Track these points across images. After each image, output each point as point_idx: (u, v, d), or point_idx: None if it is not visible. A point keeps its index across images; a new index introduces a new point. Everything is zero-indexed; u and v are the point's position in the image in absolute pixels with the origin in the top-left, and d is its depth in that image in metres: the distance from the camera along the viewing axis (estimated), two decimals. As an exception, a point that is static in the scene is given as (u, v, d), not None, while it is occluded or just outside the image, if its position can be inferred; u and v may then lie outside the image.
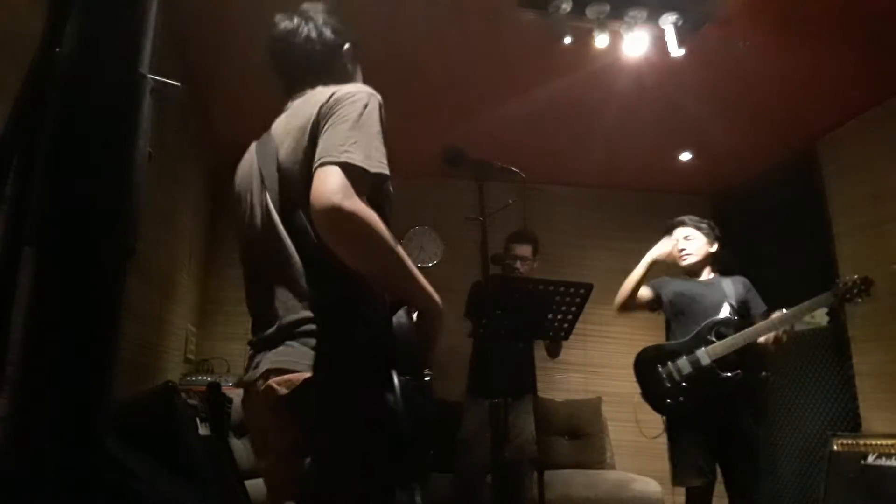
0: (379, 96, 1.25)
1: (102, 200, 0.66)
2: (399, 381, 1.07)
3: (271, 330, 1.25)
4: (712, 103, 3.79)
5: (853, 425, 3.76)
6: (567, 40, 2.99)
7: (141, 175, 0.68)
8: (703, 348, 2.78)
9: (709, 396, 2.74)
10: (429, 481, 1.22)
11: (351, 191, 1.08)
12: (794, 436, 4.25)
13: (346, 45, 1.44)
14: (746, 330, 2.72)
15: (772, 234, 4.71)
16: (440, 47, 3.30)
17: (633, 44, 3.04)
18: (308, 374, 1.13)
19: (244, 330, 5.32)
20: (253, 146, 1.43)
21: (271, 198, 1.25)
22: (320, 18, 1.42)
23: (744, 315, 2.85)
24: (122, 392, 2.16)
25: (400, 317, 1.14)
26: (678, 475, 2.78)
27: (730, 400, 2.75)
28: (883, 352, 3.67)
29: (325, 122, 1.18)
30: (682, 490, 2.85)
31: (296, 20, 1.42)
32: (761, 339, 2.72)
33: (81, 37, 0.67)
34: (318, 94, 1.25)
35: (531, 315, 2.66)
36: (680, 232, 3.08)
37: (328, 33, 1.40)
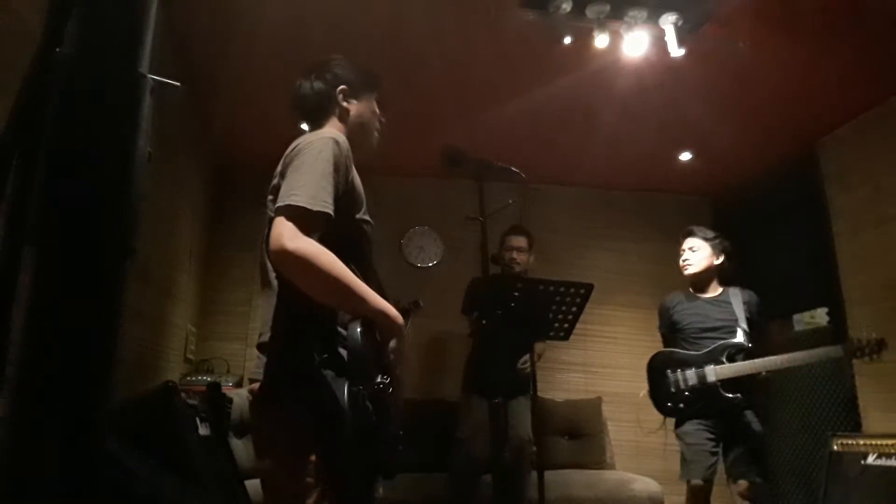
0: (340, 138, 1.44)
1: (102, 200, 0.66)
2: (349, 390, 1.22)
3: (258, 340, 1.51)
4: (712, 103, 3.79)
5: (853, 425, 3.76)
6: (567, 40, 2.99)
7: (141, 175, 0.68)
8: (712, 366, 2.95)
9: (707, 410, 2.95)
10: (387, 479, 1.36)
11: (295, 232, 1.26)
12: (794, 436, 4.25)
13: (340, 88, 1.64)
14: (755, 361, 2.89)
15: (772, 234, 4.71)
16: (441, 47, 3.30)
17: (633, 44, 3.04)
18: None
19: (244, 330, 5.33)
20: None
21: (265, 234, 1.45)
22: (316, 73, 1.65)
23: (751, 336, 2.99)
24: (122, 392, 2.16)
25: (352, 332, 1.28)
26: (686, 470, 2.94)
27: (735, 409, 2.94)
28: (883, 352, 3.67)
29: (287, 170, 1.38)
30: (682, 490, 2.99)
31: (301, 80, 1.67)
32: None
33: (81, 37, 0.67)
34: (292, 145, 1.46)
35: (531, 315, 2.66)
36: (686, 242, 3.20)
37: (319, 84, 1.63)
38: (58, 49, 0.67)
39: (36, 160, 0.65)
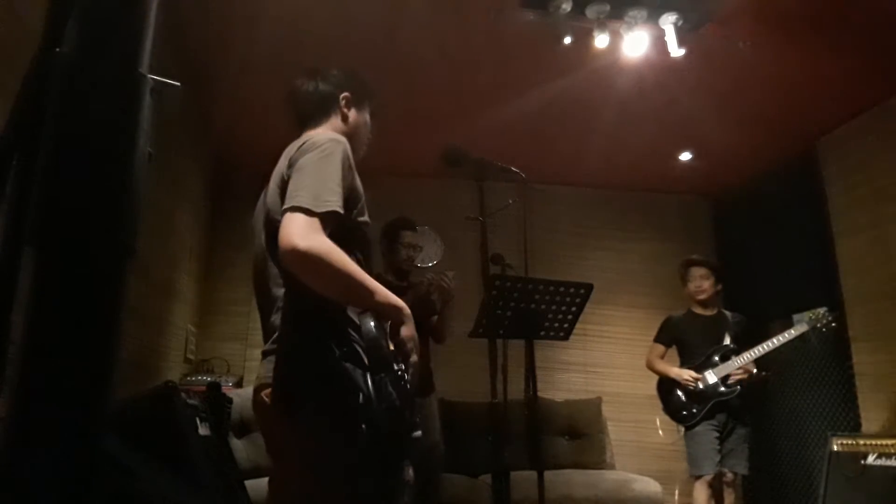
0: (343, 140, 1.46)
1: (102, 200, 0.66)
2: (372, 380, 1.25)
3: (267, 344, 1.47)
4: (712, 103, 3.79)
5: (853, 425, 3.76)
6: (567, 40, 2.99)
7: (141, 175, 0.68)
8: (710, 370, 3.44)
9: (714, 406, 3.39)
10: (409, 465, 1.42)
11: (305, 231, 1.28)
12: (794, 436, 4.25)
13: (344, 94, 1.66)
14: (742, 355, 3.40)
15: (772, 234, 4.71)
16: (441, 47, 3.30)
17: (633, 44, 3.04)
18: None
19: (244, 330, 5.33)
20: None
21: (264, 233, 1.51)
22: (321, 76, 1.67)
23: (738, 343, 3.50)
24: (122, 392, 2.16)
25: (366, 324, 1.32)
26: (696, 467, 3.34)
27: (734, 406, 3.41)
28: (883, 352, 3.67)
29: (292, 171, 1.40)
30: (682, 490, 3.40)
31: (303, 80, 1.68)
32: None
33: (81, 37, 0.67)
34: (296, 144, 1.48)
35: (530, 315, 2.66)
36: (696, 271, 3.65)
37: (325, 87, 1.65)
38: (58, 49, 0.67)
39: (36, 160, 0.65)
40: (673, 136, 4.31)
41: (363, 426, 1.22)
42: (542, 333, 2.80)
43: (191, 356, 4.33)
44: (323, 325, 1.34)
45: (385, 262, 3.18)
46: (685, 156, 4.64)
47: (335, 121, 1.65)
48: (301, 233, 1.27)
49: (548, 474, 2.76)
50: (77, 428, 0.61)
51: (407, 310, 1.41)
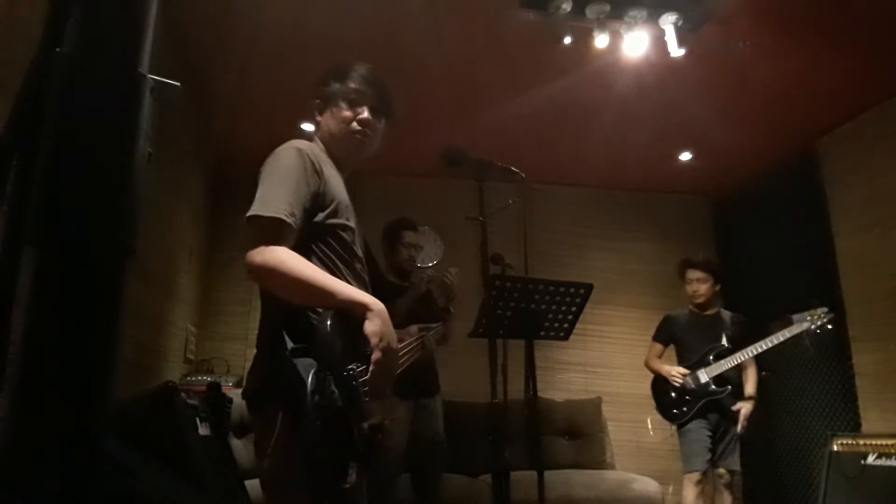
0: (301, 147, 1.48)
1: (102, 200, 0.66)
2: (314, 374, 1.25)
3: None
4: (712, 103, 3.79)
5: (853, 425, 3.76)
6: (567, 40, 2.99)
7: (141, 175, 0.68)
8: (703, 369, 3.43)
9: (706, 405, 3.39)
10: (365, 468, 1.39)
11: (257, 244, 1.34)
12: (794, 436, 4.25)
13: (316, 102, 1.67)
14: (735, 354, 3.38)
15: (772, 234, 4.71)
16: (440, 47, 3.30)
17: (633, 44, 3.04)
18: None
19: (244, 330, 5.33)
20: None
21: None
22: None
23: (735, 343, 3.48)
24: (122, 392, 2.16)
25: (320, 322, 1.32)
26: (688, 463, 3.35)
27: (727, 405, 3.40)
28: (883, 352, 3.67)
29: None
30: (682, 490, 3.34)
31: None
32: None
33: (81, 37, 0.67)
34: None
35: (530, 315, 2.65)
36: (693, 273, 3.62)
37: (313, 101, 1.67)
38: (58, 49, 0.67)
39: (36, 160, 0.65)
40: (673, 136, 4.31)
41: (302, 422, 1.23)
42: (542, 333, 2.80)
43: (191, 356, 4.33)
44: (285, 326, 1.36)
45: (387, 262, 3.18)
46: (685, 156, 4.64)
47: (318, 129, 1.67)
48: (254, 248, 1.34)
49: (548, 474, 2.76)
50: (77, 428, 0.61)
51: (375, 306, 1.40)
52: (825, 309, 3.35)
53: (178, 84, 0.74)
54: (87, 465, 0.60)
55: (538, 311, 2.63)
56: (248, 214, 1.38)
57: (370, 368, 1.37)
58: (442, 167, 2.24)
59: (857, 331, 3.87)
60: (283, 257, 1.34)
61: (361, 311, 1.39)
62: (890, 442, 3.08)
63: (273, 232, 1.36)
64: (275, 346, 1.34)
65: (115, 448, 1.67)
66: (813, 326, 3.27)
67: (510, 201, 2.44)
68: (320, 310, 1.36)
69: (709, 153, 4.55)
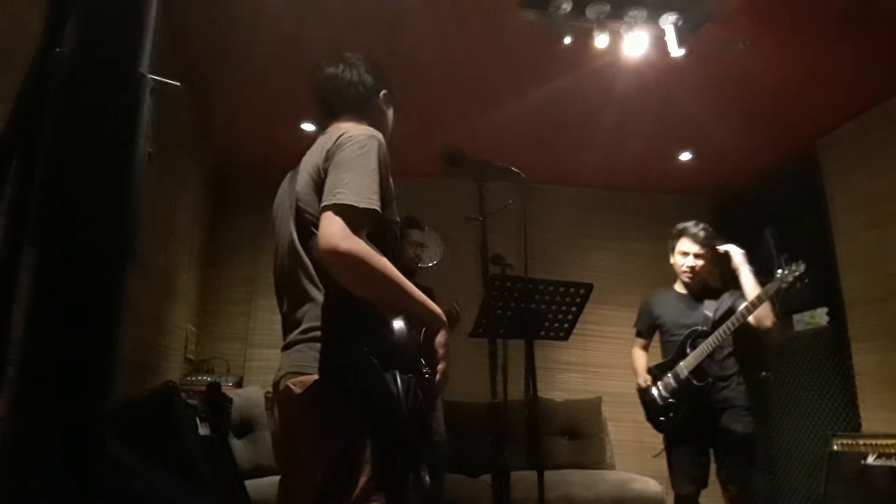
0: (380, 137, 1.43)
1: (102, 200, 0.66)
2: (401, 378, 1.23)
3: (293, 335, 1.42)
4: (712, 103, 3.79)
5: (853, 425, 3.76)
6: (567, 40, 2.99)
7: (141, 175, 0.68)
8: (681, 362, 2.93)
9: (694, 406, 2.88)
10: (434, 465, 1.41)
11: (346, 232, 1.26)
12: (794, 436, 4.25)
13: (383, 92, 1.64)
14: (708, 339, 2.84)
15: (772, 234, 4.70)
16: (441, 47, 3.30)
17: (633, 44, 3.04)
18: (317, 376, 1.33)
19: (244, 330, 5.32)
20: (289, 174, 1.60)
21: (294, 224, 1.45)
22: (362, 67, 1.61)
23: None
24: (122, 392, 2.16)
25: (398, 325, 1.29)
26: (674, 480, 2.97)
27: (719, 406, 2.89)
28: (883, 352, 3.67)
29: (330, 165, 1.38)
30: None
31: (341, 66, 1.60)
32: (752, 320, 2.78)
33: (81, 37, 0.67)
34: (331, 136, 1.43)
35: (530, 315, 2.66)
36: (689, 246, 3.00)
37: (368, 79, 1.60)
38: (58, 49, 0.67)
39: (36, 160, 0.65)
40: (673, 136, 4.31)
41: (392, 421, 1.23)
42: (542, 333, 2.80)
43: (191, 356, 4.33)
44: (357, 322, 1.32)
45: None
46: (685, 156, 4.64)
47: (370, 116, 1.59)
48: (342, 234, 1.26)
49: (548, 474, 2.76)
50: (77, 428, 0.61)
51: (443, 316, 1.41)
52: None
53: (177, 84, 0.74)
54: (87, 465, 0.60)
55: (538, 311, 2.63)
56: (336, 201, 1.29)
57: (437, 377, 1.39)
58: (442, 167, 2.24)
59: (857, 331, 3.87)
60: (371, 250, 1.28)
61: (433, 320, 1.39)
62: (890, 442, 3.08)
63: (361, 222, 1.30)
64: (351, 348, 1.30)
65: (115, 448, 1.67)
66: (784, 285, 2.74)
67: (510, 201, 2.44)
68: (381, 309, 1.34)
69: (709, 153, 4.55)
